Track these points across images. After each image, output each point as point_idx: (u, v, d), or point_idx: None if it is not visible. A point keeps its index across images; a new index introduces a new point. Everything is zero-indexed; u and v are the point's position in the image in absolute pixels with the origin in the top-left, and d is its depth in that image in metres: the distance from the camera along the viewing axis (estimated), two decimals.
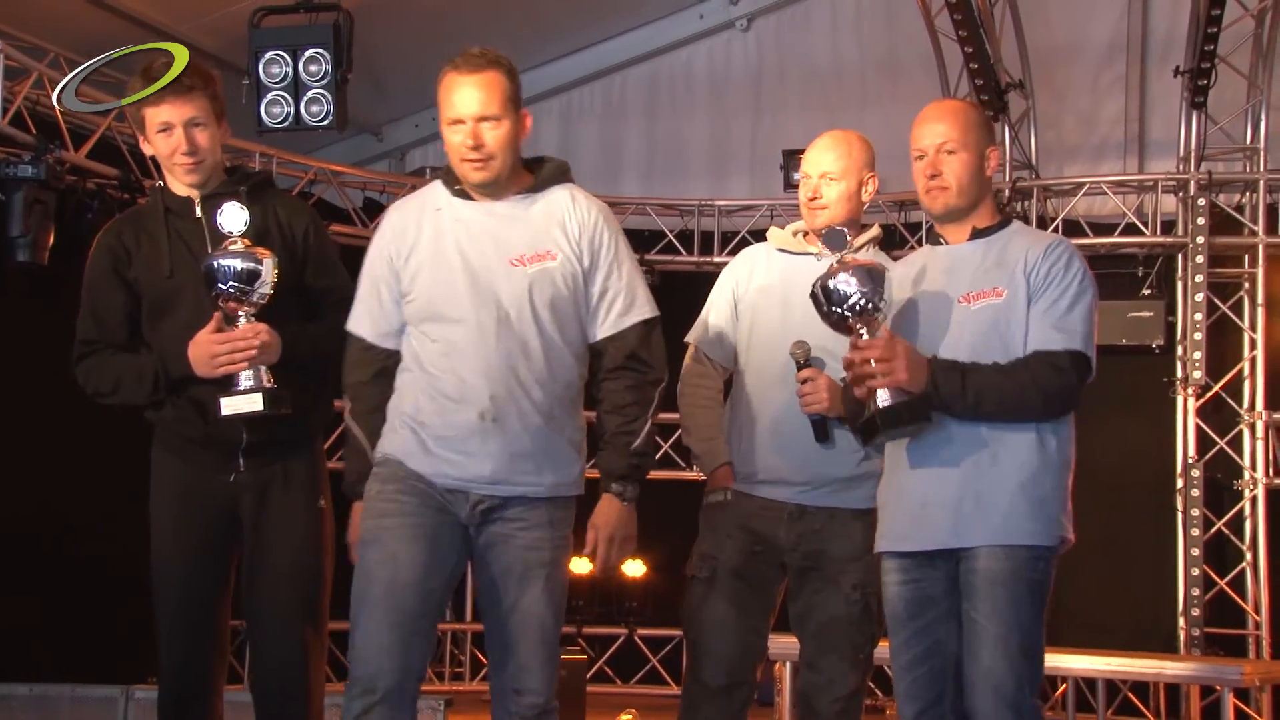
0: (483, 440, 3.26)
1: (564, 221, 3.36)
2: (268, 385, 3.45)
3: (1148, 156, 8.34)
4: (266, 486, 3.58)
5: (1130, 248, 8.10)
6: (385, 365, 3.39)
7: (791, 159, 7.80)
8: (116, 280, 3.61)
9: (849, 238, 3.35)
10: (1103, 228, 8.14)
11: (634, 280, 3.46)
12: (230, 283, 3.41)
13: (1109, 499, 8.03)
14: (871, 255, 3.77)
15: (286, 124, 5.80)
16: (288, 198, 3.87)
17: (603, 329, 3.41)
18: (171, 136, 3.59)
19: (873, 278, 3.28)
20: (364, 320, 3.42)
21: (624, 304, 3.41)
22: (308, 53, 5.79)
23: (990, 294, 3.32)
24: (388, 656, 3.19)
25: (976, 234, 3.42)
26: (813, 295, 3.33)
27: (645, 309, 3.45)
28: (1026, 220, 8.08)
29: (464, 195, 3.37)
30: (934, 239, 3.53)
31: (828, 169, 3.83)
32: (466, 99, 3.27)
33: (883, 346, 3.24)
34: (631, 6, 8.82)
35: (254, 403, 3.45)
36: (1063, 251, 3.35)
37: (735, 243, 8.21)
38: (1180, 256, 7.92)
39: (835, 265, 3.31)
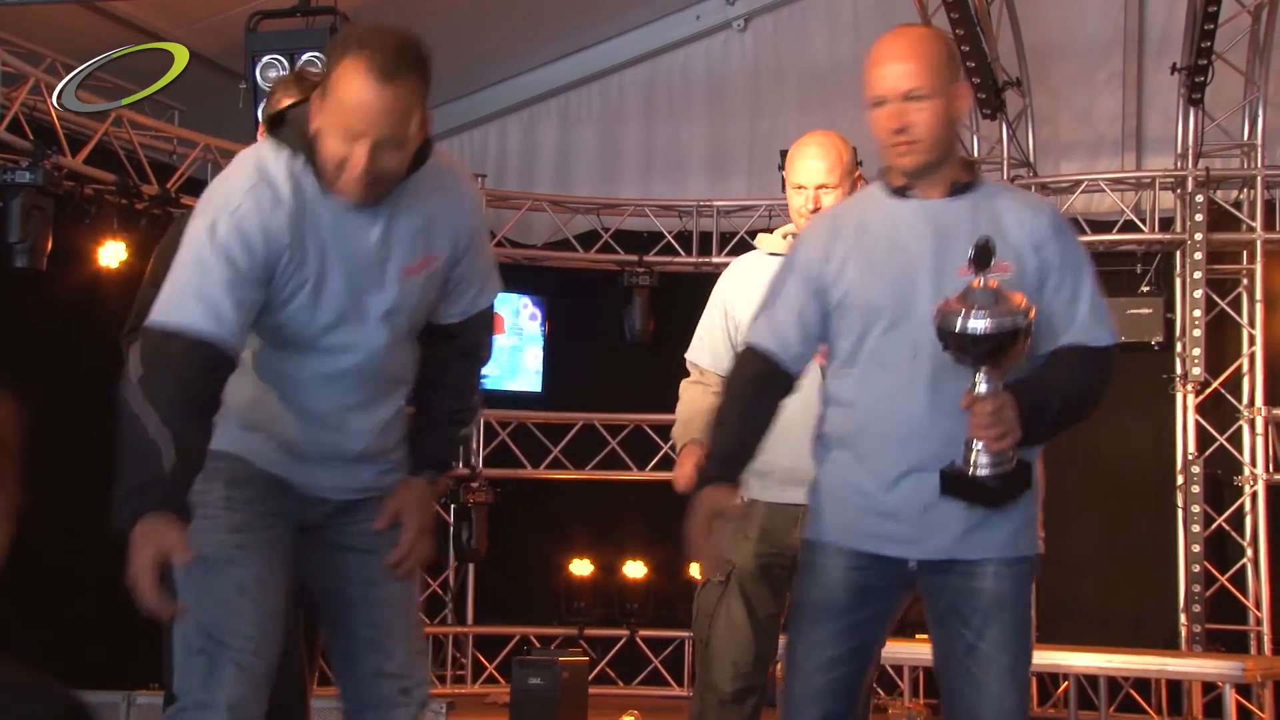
0: (355, 467, 2.89)
1: (448, 209, 2.87)
2: None
3: (1145, 153, 8.34)
4: None
5: (1128, 245, 8.10)
6: (223, 377, 2.67)
7: None
8: None
9: (997, 253, 2.73)
10: (1101, 225, 8.14)
11: (490, 254, 3.06)
12: None
13: (1109, 496, 8.03)
14: None
15: None
16: None
17: (456, 312, 2.98)
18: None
19: (1013, 314, 2.70)
20: (218, 314, 2.61)
21: (479, 285, 3.00)
22: (305, 56, 5.77)
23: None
24: (250, 709, 2.71)
25: (959, 189, 2.93)
26: (937, 326, 2.76)
27: (497, 285, 3.06)
28: None
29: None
30: (898, 189, 2.96)
31: (823, 180, 3.83)
32: (372, 116, 2.61)
33: (994, 411, 2.74)
34: (628, 8, 8.82)
35: None
36: (1064, 222, 2.99)
37: (734, 243, 8.22)
38: (1179, 253, 7.92)
39: (973, 294, 2.71)
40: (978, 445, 2.79)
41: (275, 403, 2.82)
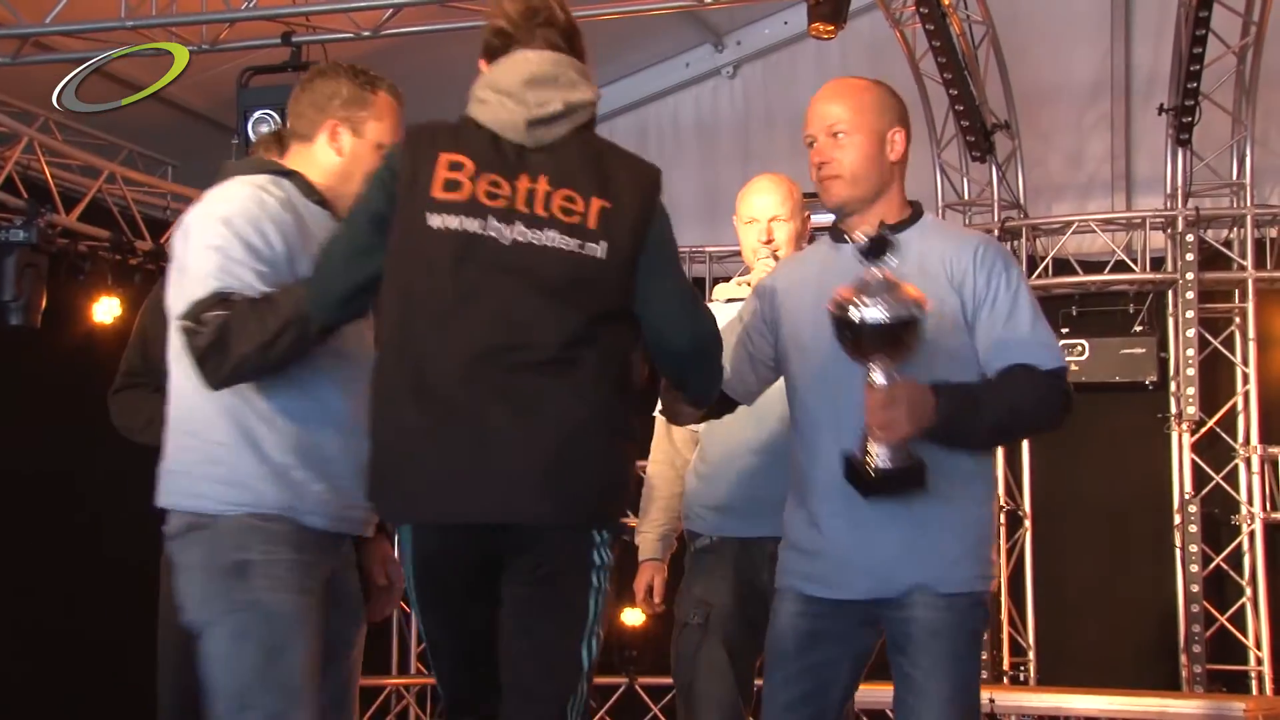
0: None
1: None
2: None
3: (1135, 193, 8.36)
4: None
5: (1121, 285, 8.11)
6: None
7: None
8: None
9: (895, 244, 2.78)
10: (1093, 265, 8.17)
11: None
12: None
13: (1107, 536, 8.02)
14: None
15: None
16: None
17: None
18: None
19: (907, 305, 2.73)
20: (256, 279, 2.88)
21: None
22: None
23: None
24: None
25: (889, 229, 2.95)
26: (832, 315, 2.80)
27: None
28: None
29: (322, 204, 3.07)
30: (837, 235, 3.11)
31: (775, 211, 3.93)
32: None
33: (883, 403, 2.76)
34: (618, 56, 8.87)
35: None
36: (995, 254, 2.98)
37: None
38: (1171, 293, 7.94)
39: (865, 283, 2.76)
40: (870, 436, 2.79)
41: (313, 435, 2.86)
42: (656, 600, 4.17)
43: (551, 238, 2.61)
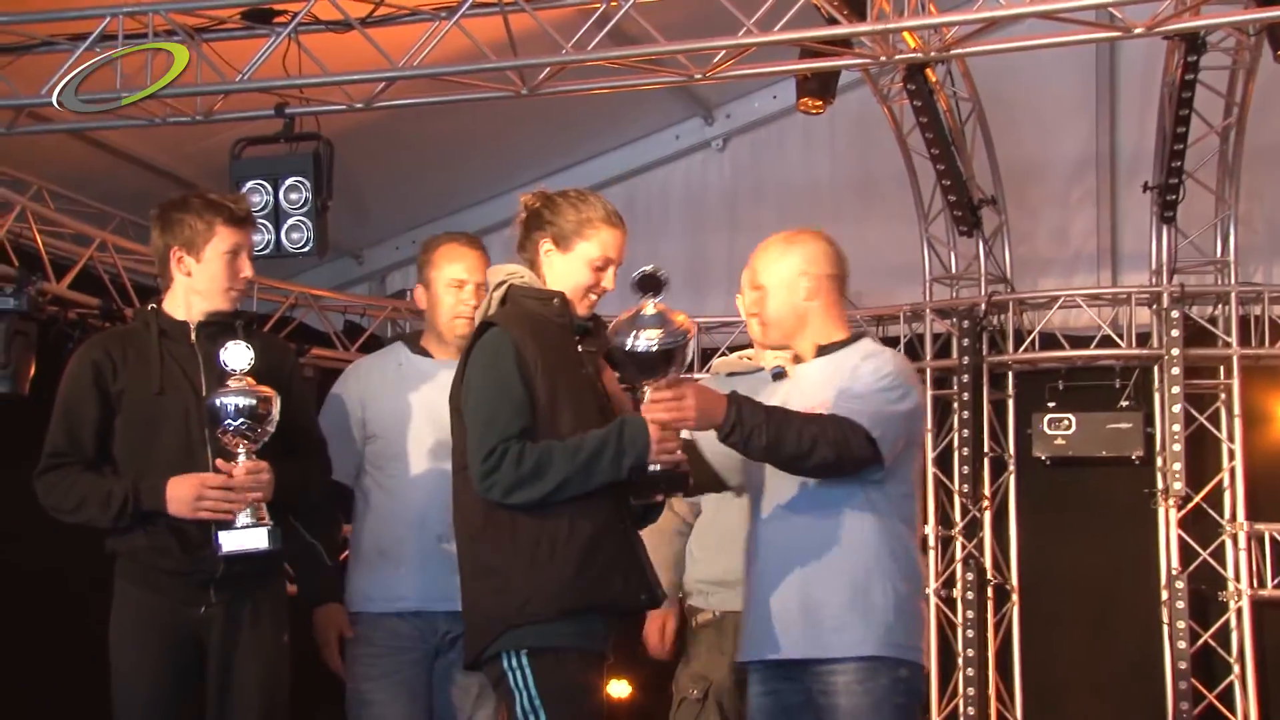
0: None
1: None
2: (268, 522, 3.45)
3: (1121, 269, 8.43)
4: (237, 620, 3.54)
5: (1107, 360, 8.15)
6: None
7: None
8: (96, 393, 3.57)
9: (666, 281, 3.13)
10: (1079, 340, 8.21)
11: None
12: (241, 420, 3.42)
13: (1094, 611, 8.00)
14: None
15: (267, 251, 5.81)
16: (271, 337, 3.92)
17: None
18: (238, 260, 3.63)
19: (674, 335, 3.10)
20: None
21: None
22: (288, 181, 5.83)
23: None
24: None
25: (821, 350, 3.46)
26: (611, 347, 3.22)
27: None
28: (1001, 334, 8.18)
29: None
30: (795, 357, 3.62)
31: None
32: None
33: (672, 397, 3.11)
34: (608, 129, 8.94)
35: (258, 539, 3.44)
36: (878, 357, 3.39)
37: (714, 359, 8.23)
38: (1156, 368, 7.97)
39: (640, 318, 3.13)
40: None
41: None
42: (668, 645, 4.16)
43: None
